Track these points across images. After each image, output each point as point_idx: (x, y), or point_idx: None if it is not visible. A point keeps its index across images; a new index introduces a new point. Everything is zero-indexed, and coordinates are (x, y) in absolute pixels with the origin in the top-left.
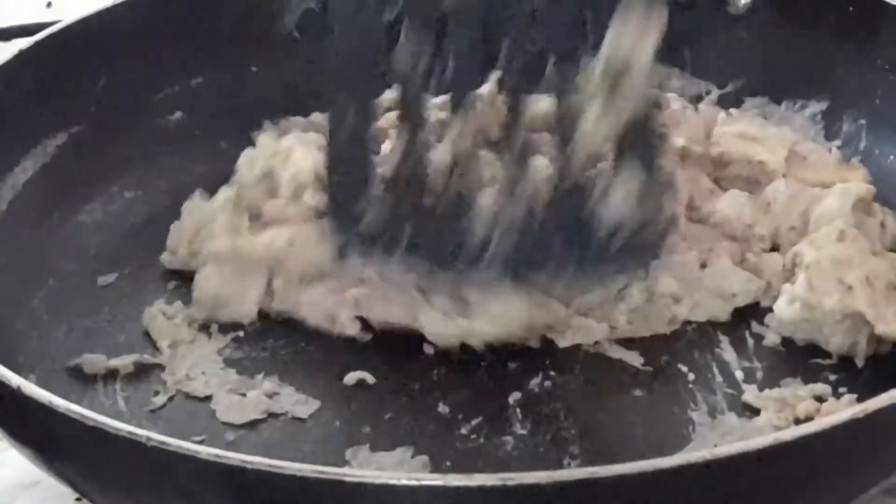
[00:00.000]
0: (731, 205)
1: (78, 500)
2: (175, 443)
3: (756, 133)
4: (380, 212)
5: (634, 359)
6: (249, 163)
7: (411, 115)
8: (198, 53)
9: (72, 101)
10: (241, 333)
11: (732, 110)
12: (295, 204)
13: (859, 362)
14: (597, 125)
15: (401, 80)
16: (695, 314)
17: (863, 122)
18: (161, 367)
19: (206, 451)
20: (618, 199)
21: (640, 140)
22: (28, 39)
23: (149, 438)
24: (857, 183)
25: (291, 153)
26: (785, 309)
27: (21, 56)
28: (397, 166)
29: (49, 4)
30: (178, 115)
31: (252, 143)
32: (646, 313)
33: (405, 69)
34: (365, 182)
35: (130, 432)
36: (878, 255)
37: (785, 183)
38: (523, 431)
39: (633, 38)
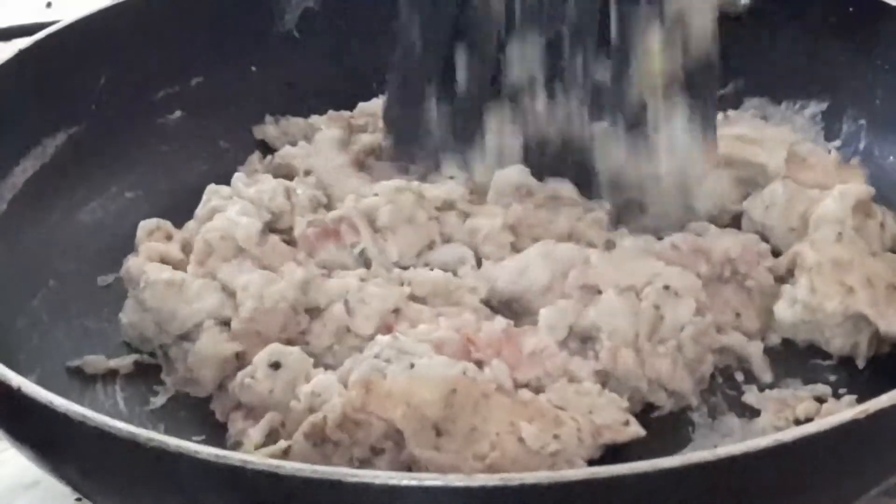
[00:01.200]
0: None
1: (78, 500)
2: (175, 443)
3: (755, 135)
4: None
5: None
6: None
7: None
8: (198, 53)
9: (72, 101)
10: None
11: (731, 112)
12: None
13: (860, 363)
14: (656, 59)
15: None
16: None
17: (863, 122)
18: (160, 368)
19: (206, 451)
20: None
21: (693, 87)
22: (28, 39)
23: (149, 439)
24: (856, 184)
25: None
26: (786, 311)
27: (21, 55)
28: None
29: (49, 4)
30: (178, 114)
31: (253, 140)
32: None
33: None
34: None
35: (130, 432)
36: (877, 255)
37: (783, 185)
38: None
39: None
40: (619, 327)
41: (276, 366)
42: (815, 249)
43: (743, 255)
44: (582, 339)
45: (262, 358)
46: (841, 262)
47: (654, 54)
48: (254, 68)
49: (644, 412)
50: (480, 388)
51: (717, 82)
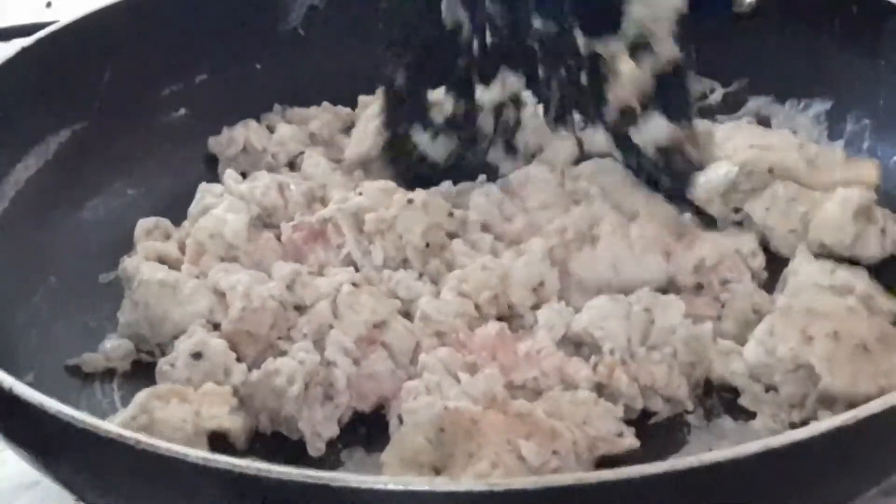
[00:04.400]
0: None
1: (77, 500)
2: (164, 445)
3: (761, 141)
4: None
5: None
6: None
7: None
8: (202, 51)
9: (75, 98)
10: None
11: (725, 121)
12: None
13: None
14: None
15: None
16: None
17: (867, 121)
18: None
19: (195, 454)
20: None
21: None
22: (32, 36)
23: (138, 441)
24: (858, 190)
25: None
26: (751, 351)
27: (25, 53)
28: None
29: (49, 4)
30: (181, 112)
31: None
32: None
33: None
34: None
35: (120, 434)
36: (869, 316)
37: (784, 186)
38: None
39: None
40: (611, 331)
41: (197, 356)
42: (791, 293)
43: (723, 263)
44: (576, 344)
45: (185, 346)
46: (814, 310)
47: (624, 76)
48: (258, 66)
49: (641, 418)
50: (467, 416)
51: (689, 78)
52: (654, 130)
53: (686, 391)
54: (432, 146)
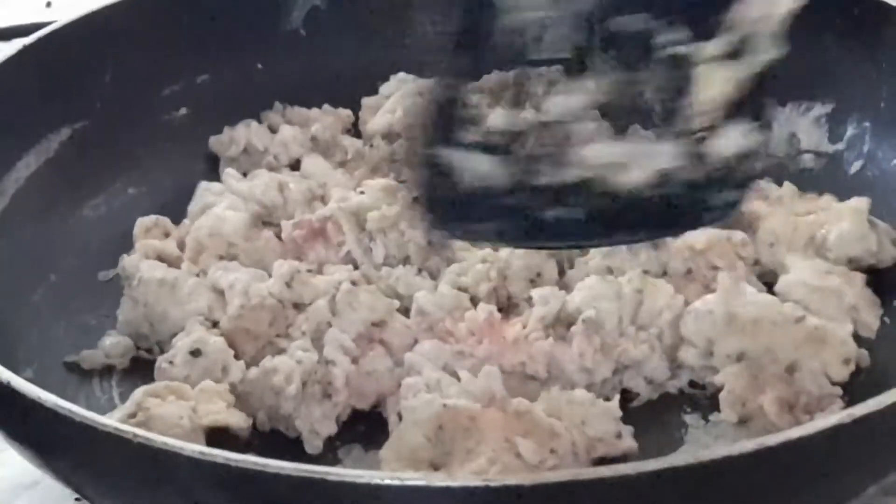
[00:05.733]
0: None
1: (77, 500)
2: (160, 439)
3: None
4: (481, 170)
5: None
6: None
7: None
8: (203, 50)
9: (77, 97)
10: None
11: None
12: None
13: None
14: (716, 90)
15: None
16: None
17: (867, 124)
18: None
19: (191, 448)
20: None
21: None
22: (33, 35)
23: (135, 435)
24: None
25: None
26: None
27: (26, 51)
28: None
29: (49, 4)
30: (183, 111)
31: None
32: None
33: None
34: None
35: (116, 428)
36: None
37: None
38: None
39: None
40: (604, 311)
41: (196, 353)
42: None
43: (712, 250)
44: (567, 325)
45: (184, 344)
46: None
47: (713, 84)
48: (260, 66)
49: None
50: (466, 414)
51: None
52: (732, 139)
53: (666, 373)
54: (487, 171)
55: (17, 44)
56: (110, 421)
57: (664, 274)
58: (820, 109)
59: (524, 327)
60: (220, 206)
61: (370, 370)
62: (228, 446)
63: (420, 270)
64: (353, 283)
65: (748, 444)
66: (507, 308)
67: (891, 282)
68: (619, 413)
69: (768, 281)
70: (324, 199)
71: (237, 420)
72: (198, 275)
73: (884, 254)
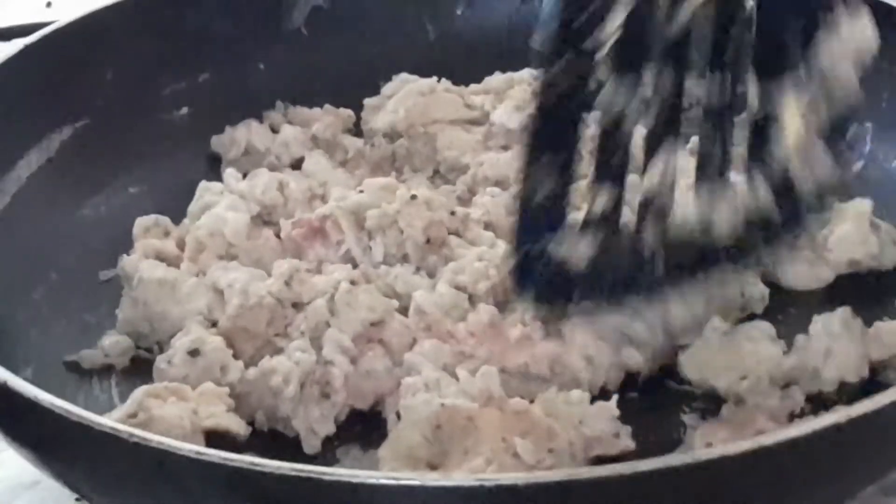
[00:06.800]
0: None
1: (77, 500)
2: (157, 439)
3: None
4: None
5: None
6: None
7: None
8: (205, 49)
9: (78, 96)
10: None
11: None
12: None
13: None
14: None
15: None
16: None
17: (868, 124)
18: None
19: (187, 448)
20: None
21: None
22: (33, 35)
23: (131, 434)
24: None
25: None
26: None
27: (27, 51)
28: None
29: (49, 4)
30: (184, 110)
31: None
32: None
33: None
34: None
35: (113, 428)
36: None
37: None
38: None
39: (843, 49)
40: None
41: (194, 353)
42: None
43: None
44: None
45: (182, 343)
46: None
47: (796, 121)
48: (261, 65)
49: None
50: (464, 413)
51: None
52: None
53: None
54: (572, 250)
55: (17, 44)
56: (107, 420)
57: None
58: None
59: (525, 325)
60: (221, 205)
61: (369, 370)
62: (227, 446)
63: (418, 269)
64: (352, 282)
65: (746, 444)
66: (506, 306)
67: (891, 283)
68: (617, 412)
69: (768, 281)
70: (324, 199)
71: (236, 426)
72: (197, 275)
73: (885, 256)
